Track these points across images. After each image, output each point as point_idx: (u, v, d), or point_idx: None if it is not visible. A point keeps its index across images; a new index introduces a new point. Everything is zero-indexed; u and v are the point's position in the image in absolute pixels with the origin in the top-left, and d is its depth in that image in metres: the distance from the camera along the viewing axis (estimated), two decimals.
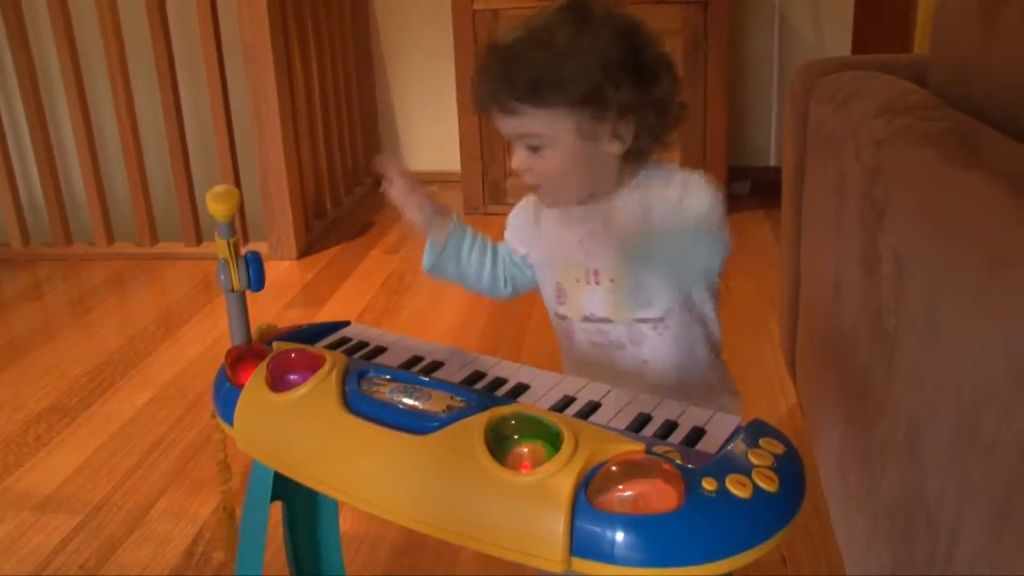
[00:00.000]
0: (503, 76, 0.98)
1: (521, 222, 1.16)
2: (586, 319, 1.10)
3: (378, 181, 4.14)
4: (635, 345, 1.09)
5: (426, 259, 1.13)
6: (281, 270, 2.89)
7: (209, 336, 2.41)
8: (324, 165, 3.27)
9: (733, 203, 3.23)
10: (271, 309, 2.56)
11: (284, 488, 0.99)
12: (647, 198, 1.03)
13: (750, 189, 3.37)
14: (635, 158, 1.04)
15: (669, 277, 1.06)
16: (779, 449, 0.78)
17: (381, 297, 2.61)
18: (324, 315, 2.50)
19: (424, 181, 4.07)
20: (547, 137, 0.99)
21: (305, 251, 3.03)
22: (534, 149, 1.00)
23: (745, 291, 2.51)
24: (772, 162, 3.42)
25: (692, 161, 3.10)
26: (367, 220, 3.37)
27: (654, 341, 1.08)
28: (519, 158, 1.03)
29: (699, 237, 0.97)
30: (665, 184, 1.04)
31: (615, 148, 1.01)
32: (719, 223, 1.01)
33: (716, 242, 0.98)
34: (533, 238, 1.15)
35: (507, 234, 1.18)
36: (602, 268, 1.07)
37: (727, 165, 3.13)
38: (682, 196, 1.01)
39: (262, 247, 2.99)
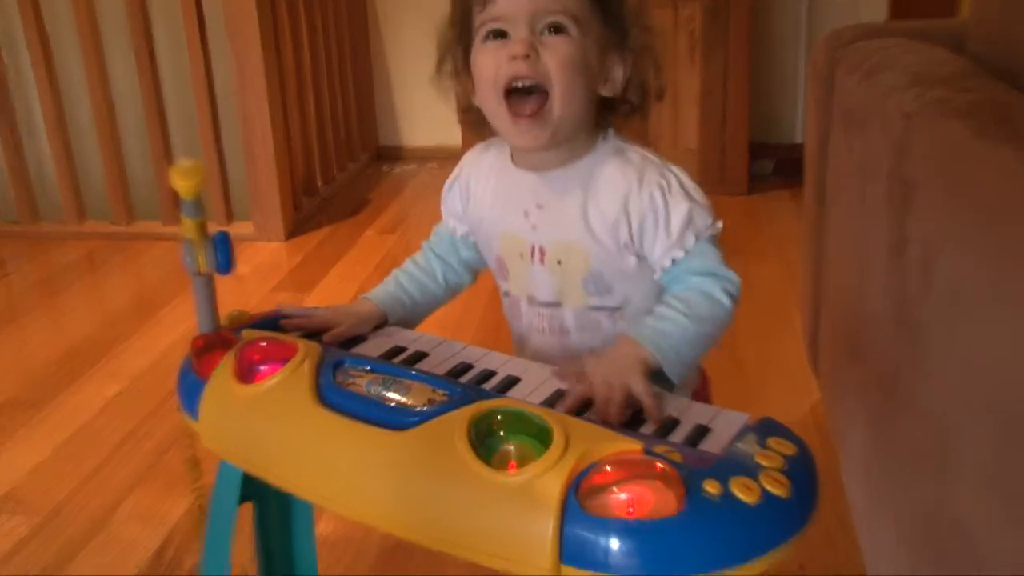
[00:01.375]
0: None
1: (455, 198, 1.13)
2: (530, 300, 1.06)
3: (374, 156, 4.07)
4: (583, 332, 1.05)
5: None
6: (267, 252, 2.88)
7: (187, 323, 2.39)
8: (315, 139, 3.26)
9: (755, 183, 3.22)
10: (256, 293, 2.55)
11: (255, 488, 0.98)
12: (632, 176, 1.00)
13: (774, 168, 3.36)
14: (605, 120, 1.03)
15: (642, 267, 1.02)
16: (790, 450, 0.77)
17: (375, 281, 2.56)
18: (313, 300, 2.49)
19: (423, 157, 4.03)
20: (579, 20, 0.95)
21: (293, 232, 3.02)
22: (556, 29, 0.95)
23: (766, 277, 2.50)
24: (799, 139, 3.39)
25: (711, 138, 3.08)
26: (361, 198, 3.36)
27: (608, 331, 1.04)
28: (525, 43, 0.94)
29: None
30: (642, 164, 1.00)
31: (618, 76, 1.00)
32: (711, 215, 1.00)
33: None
34: (466, 214, 1.12)
35: (444, 214, 1.16)
36: (549, 248, 1.02)
37: (749, 142, 3.11)
38: (671, 183, 0.99)
39: (247, 227, 2.98)
